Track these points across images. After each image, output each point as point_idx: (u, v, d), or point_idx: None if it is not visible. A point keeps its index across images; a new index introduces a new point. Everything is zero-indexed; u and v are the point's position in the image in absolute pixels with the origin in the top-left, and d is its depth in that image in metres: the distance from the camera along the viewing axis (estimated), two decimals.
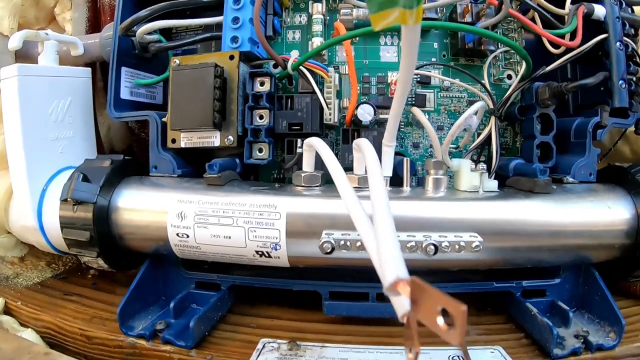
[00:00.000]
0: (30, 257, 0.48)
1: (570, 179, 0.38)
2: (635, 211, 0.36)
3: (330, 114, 0.41)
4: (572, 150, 0.40)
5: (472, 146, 0.42)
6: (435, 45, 0.43)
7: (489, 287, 0.39)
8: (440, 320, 0.17)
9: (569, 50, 0.39)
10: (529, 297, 0.39)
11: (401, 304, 0.20)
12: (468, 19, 0.40)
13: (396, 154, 0.40)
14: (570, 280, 0.40)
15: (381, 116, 0.41)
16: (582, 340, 0.35)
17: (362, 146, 0.33)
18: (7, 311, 0.41)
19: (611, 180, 0.39)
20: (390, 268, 0.19)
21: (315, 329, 0.39)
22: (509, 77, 0.43)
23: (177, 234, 0.36)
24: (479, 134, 0.42)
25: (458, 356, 0.35)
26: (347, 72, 0.42)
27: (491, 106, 0.40)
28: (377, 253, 0.21)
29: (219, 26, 0.42)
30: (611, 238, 0.36)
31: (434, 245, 0.32)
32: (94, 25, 0.48)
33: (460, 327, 0.16)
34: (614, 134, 0.45)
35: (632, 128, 0.41)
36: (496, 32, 0.42)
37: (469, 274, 0.40)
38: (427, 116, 0.42)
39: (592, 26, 0.39)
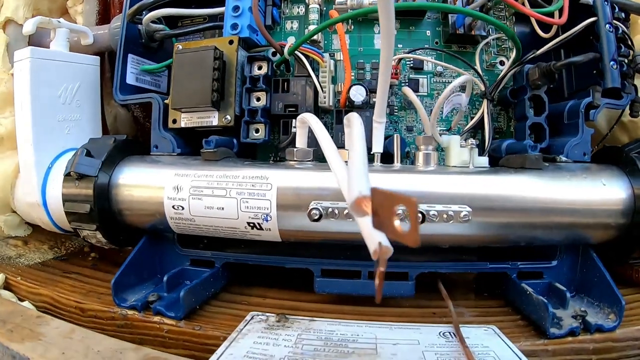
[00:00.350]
0: (34, 240, 0.50)
1: (564, 158, 0.38)
2: (632, 190, 0.36)
3: (325, 97, 0.42)
4: (566, 132, 0.40)
5: (465, 129, 0.42)
6: (428, 33, 0.45)
7: (484, 268, 0.39)
8: (397, 222, 0.17)
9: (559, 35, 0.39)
10: (525, 279, 0.38)
11: (372, 240, 0.20)
12: (458, 4, 0.42)
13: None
14: (568, 262, 0.39)
15: (374, 99, 0.41)
16: (580, 321, 0.34)
17: (350, 117, 0.34)
18: (7, 286, 0.42)
19: (606, 161, 0.39)
20: (355, 187, 0.20)
21: (306, 307, 0.39)
22: (502, 63, 0.44)
23: (173, 206, 0.37)
24: (472, 118, 0.42)
25: (449, 332, 0.34)
26: (342, 59, 0.43)
27: (483, 89, 0.41)
28: (346, 180, 0.22)
29: (222, 18, 0.44)
30: (606, 217, 0.36)
31: (421, 213, 0.32)
32: (104, 18, 0.51)
33: (413, 219, 0.16)
34: (612, 122, 0.45)
35: (628, 112, 0.40)
36: None
37: (463, 254, 0.39)
38: (419, 99, 0.42)
39: (582, 11, 0.39)
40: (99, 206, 0.39)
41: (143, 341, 0.35)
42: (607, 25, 0.38)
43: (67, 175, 0.39)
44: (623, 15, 0.40)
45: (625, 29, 0.39)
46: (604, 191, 0.36)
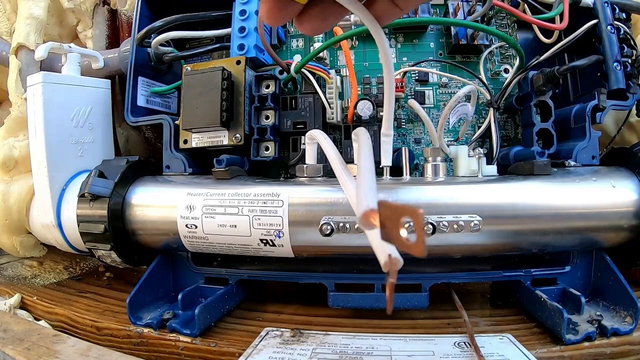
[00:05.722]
0: (49, 261, 0.51)
1: (572, 163, 0.38)
2: None
3: (332, 113, 0.42)
4: (573, 136, 0.40)
5: (472, 138, 0.42)
6: (432, 45, 0.45)
7: (498, 277, 0.39)
8: (404, 233, 0.17)
9: (562, 40, 0.40)
10: (539, 286, 0.38)
11: (382, 252, 0.20)
12: (460, 16, 0.42)
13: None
14: (582, 267, 0.39)
15: (381, 113, 0.42)
16: (596, 325, 0.34)
17: (358, 132, 0.34)
18: (23, 306, 0.43)
19: (615, 163, 0.39)
20: (362, 201, 0.20)
21: (321, 322, 0.39)
22: (506, 70, 0.44)
23: (187, 225, 0.38)
24: (479, 127, 0.43)
25: (464, 342, 0.34)
26: (348, 75, 0.43)
27: (489, 98, 0.41)
28: (354, 194, 0.22)
29: (229, 39, 0.45)
30: (618, 219, 0.36)
31: (431, 224, 0.32)
32: (113, 42, 0.52)
33: (418, 229, 0.16)
34: (620, 124, 0.45)
35: (635, 112, 0.40)
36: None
37: (476, 264, 0.39)
38: (426, 111, 0.43)
39: (583, 14, 0.40)
40: (113, 226, 0.40)
41: (159, 359, 0.36)
42: (609, 27, 0.39)
43: (82, 196, 0.40)
44: (624, 15, 0.40)
45: (627, 30, 0.40)
46: (614, 193, 0.36)
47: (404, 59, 0.45)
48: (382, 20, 0.25)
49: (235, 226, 0.37)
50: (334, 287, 0.39)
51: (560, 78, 0.38)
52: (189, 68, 0.42)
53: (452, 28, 0.43)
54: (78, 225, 0.40)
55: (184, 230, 0.38)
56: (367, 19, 0.24)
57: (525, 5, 0.40)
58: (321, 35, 0.46)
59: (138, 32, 0.44)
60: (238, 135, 0.41)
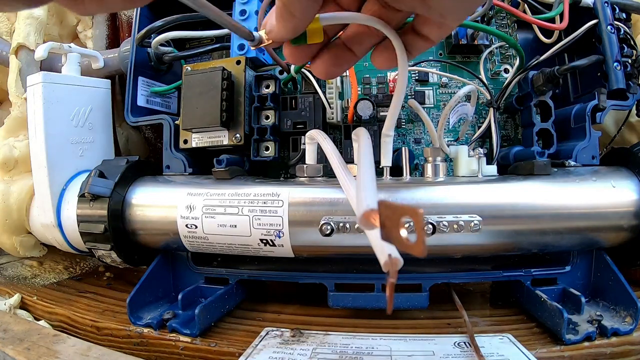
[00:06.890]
0: (49, 261, 0.51)
1: (572, 163, 0.38)
2: None
3: (332, 113, 0.42)
4: (573, 136, 0.40)
5: (472, 138, 0.42)
6: None
7: (498, 277, 0.39)
8: (404, 233, 0.17)
9: (562, 40, 0.40)
10: (539, 286, 0.38)
11: (382, 252, 0.20)
12: None
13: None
14: (582, 267, 0.39)
15: (381, 113, 0.42)
16: (596, 325, 0.34)
17: (358, 132, 0.34)
18: (23, 306, 0.43)
19: (615, 163, 0.39)
20: (363, 201, 0.20)
21: (321, 322, 0.39)
22: (506, 70, 0.44)
23: (187, 225, 0.38)
24: (479, 127, 0.43)
25: (464, 342, 0.34)
26: (348, 74, 0.43)
27: (489, 98, 0.41)
28: (354, 194, 0.22)
29: (229, 39, 0.45)
30: (618, 219, 0.35)
31: (431, 224, 0.32)
32: (113, 42, 0.52)
33: (419, 229, 0.16)
34: (620, 124, 0.45)
35: (635, 112, 0.40)
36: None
37: (476, 264, 0.39)
38: (426, 111, 0.43)
39: (583, 14, 0.40)
40: (113, 226, 0.40)
41: (159, 359, 0.36)
42: (609, 27, 0.39)
43: (82, 196, 0.40)
44: (624, 15, 0.40)
45: (627, 30, 0.40)
46: (614, 193, 0.36)
47: None
48: (412, 52, 0.27)
49: (235, 226, 0.37)
50: (334, 287, 0.39)
51: (560, 78, 0.38)
52: (189, 68, 0.42)
53: None
54: (78, 225, 0.40)
55: (184, 230, 0.38)
56: (399, 48, 0.26)
57: (525, 5, 0.40)
58: None
59: (138, 32, 0.44)
60: (238, 135, 0.41)
